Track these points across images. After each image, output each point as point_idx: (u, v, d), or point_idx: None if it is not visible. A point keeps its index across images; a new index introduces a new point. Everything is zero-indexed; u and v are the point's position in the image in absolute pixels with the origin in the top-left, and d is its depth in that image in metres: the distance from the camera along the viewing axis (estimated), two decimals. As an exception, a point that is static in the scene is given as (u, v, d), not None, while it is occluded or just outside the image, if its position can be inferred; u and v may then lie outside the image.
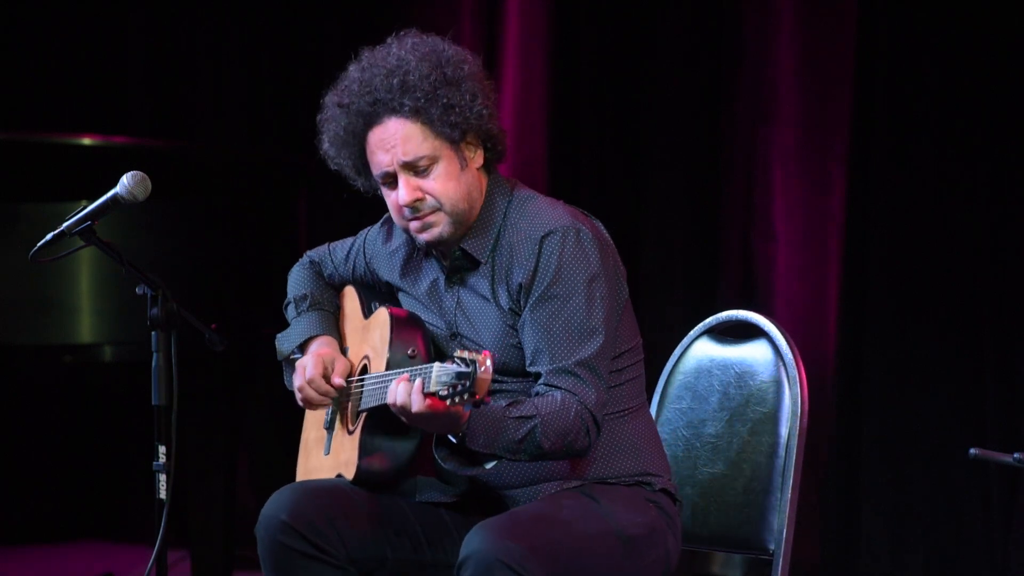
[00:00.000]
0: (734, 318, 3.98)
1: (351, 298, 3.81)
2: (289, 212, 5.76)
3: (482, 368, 3.13)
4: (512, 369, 3.53)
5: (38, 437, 7.38)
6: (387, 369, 3.51)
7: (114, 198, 3.56)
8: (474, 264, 3.55)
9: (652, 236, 6.12)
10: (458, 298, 3.58)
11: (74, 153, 5.69)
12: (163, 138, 6.97)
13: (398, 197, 3.48)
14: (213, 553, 5.61)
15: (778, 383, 3.84)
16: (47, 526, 7.32)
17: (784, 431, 3.81)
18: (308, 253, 3.90)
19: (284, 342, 3.76)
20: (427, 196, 3.48)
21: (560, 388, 3.41)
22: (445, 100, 3.44)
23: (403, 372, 3.37)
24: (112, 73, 7.22)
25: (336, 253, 3.85)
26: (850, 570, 5.78)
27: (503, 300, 3.51)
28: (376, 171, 3.51)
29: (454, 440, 3.35)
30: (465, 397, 3.15)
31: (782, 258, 5.88)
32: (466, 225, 3.53)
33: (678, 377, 3.99)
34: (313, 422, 3.82)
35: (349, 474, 3.56)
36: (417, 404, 3.26)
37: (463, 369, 3.14)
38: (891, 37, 5.68)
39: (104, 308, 5.25)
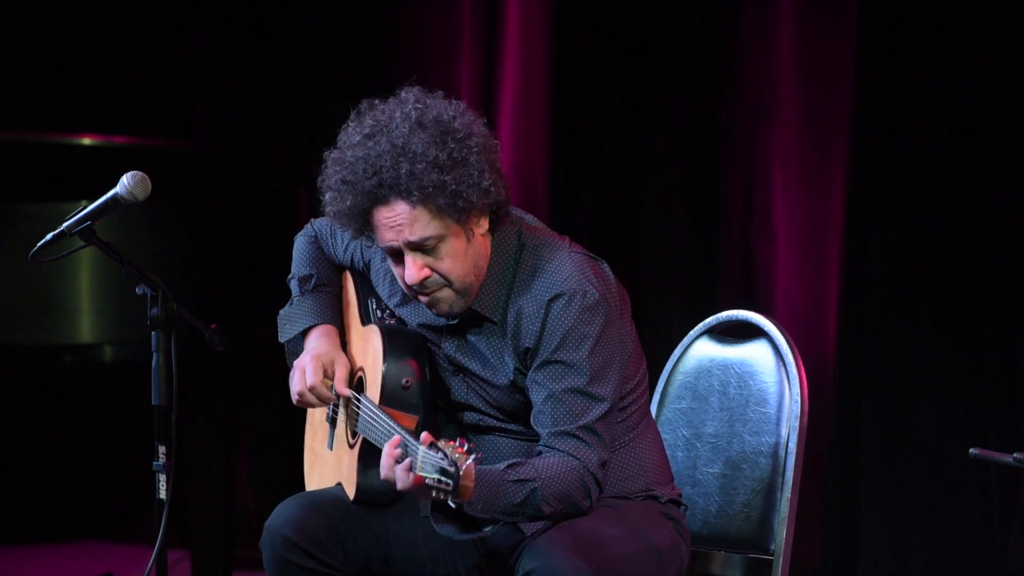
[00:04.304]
0: (734, 318, 3.98)
1: (351, 286, 3.78)
2: (289, 212, 5.76)
3: (463, 470, 3.09)
4: (517, 414, 3.53)
5: (38, 437, 7.38)
6: (380, 400, 3.48)
7: (114, 198, 3.55)
8: (483, 321, 3.52)
9: (652, 236, 6.12)
10: (458, 342, 3.55)
11: (74, 153, 5.69)
12: (163, 138, 6.97)
13: (405, 275, 3.44)
14: (213, 553, 5.61)
15: (778, 383, 3.84)
16: (47, 526, 7.32)
17: (784, 431, 3.81)
18: (313, 223, 3.84)
19: (286, 323, 3.73)
20: (434, 273, 3.43)
21: (561, 451, 3.39)
22: (454, 187, 3.37)
23: (394, 428, 3.33)
24: (112, 73, 7.22)
25: (336, 240, 3.79)
26: (850, 570, 5.78)
27: (508, 359, 3.49)
28: (382, 244, 3.45)
29: (452, 505, 3.28)
30: (450, 498, 3.11)
31: (782, 258, 5.88)
32: (475, 293, 3.49)
33: (678, 377, 3.99)
34: (318, 409, 3.81)
35: (350, 494, 3.55)
36: (403, 481, 3.23)
37: (447, 468, 3.09)
38: (891, 37, 5.68)
39: (104, 308, 5.25)
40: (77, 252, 3.64)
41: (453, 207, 3.38)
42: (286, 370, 3.82)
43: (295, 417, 3.91)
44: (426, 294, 3.45)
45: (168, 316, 3.57)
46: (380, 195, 3.39)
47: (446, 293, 3.45)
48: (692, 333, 4.02)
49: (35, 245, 3.59)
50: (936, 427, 5.65)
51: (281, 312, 3.76)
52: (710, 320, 4.01)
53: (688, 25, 6.03)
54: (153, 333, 3.57)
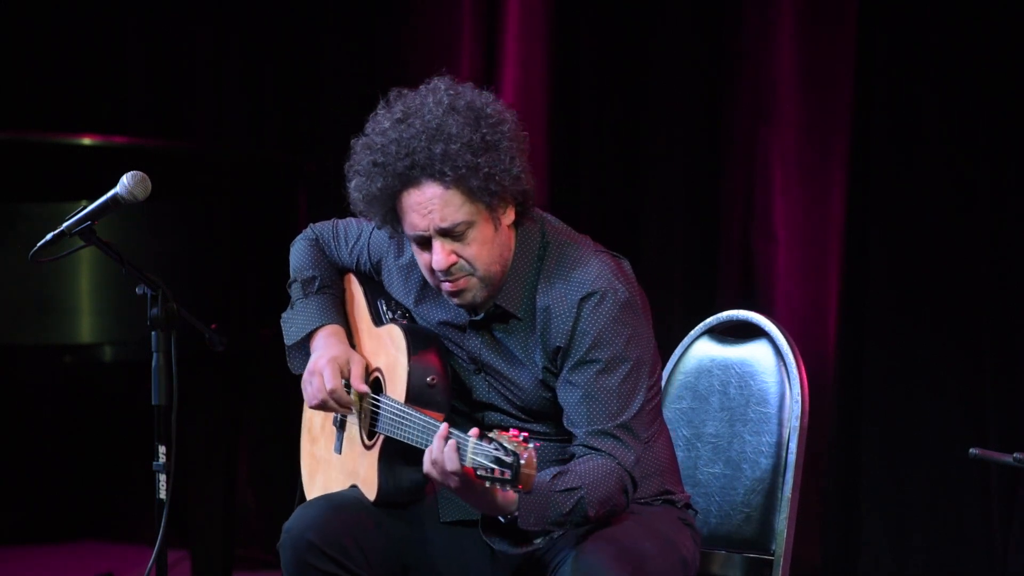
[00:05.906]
0: (734, 318, 3.98)
1: (356, 288, 3.76)
2: (289, 212, 5.76)
3: (524, 459, 3.07)
4: (544, 414, 3.53)
5: (38, 437, 7.38)
6: (407, 399, 3.46)
7: (114, 198, 3.56)
8: (508, 317, 3.52)
9: (652, 236, 6.12)
10: (484, 339, 3.54)
11: (74, 153, 5.69)
12: (163, 138, 6.97)
13: (432, 261, 3.42)
14: (213, 553, 5.61)
15: (778, 383, 3.84)
16: (47, 526, 7.32)
17: (784, 431, 3.81)
18: (313, 227, 3.82)
19: (291, 325, 3.71)
20: (461, 260, 3.42)
21: (599, 451, 3.40)
22: (487, 169, 3.37)
23: (429, 422, 3.32)
24: (112, 73, 7.22)
25: (340, 243, 3.78)
26: (850, 570, 5.78)
27: (537, 358, 3.49)
28: (409, 231, 3.44)
29: (503, 520, 3.30)
30: (507, 489, 3.09)
31: (782, 258, 5.89)
32: (498, 284, 3.49)
33: (678, 377, 3.99)
34: (316, 415, 3.80)
35: (370, 495, 3.53)
36: (455, 481, 3.22)
37: (504, 458, 3.08)
38: (891, 37, 5.69)
39: (104, 308, 5.25)
40: (77, 252, 3.65)
41: (485, 190, 3.39)
42: (286, 370, 3.81)
43: (295, 417, 3.90)
44: (451, 281, 3.44)
45: (168, 316, 3.57)
46: (412, 176, 3.39)
47: (471, 281, 3.44)
48: (692, 333, 4.02)
49: (35, 245, 3.59)
50: (936, 427, 5.65)
51: (284, 315, 3.75)
52: (710, 320, 4.01)
53: (688, 25, 6.03)
54: (153, 333, 3.58)
